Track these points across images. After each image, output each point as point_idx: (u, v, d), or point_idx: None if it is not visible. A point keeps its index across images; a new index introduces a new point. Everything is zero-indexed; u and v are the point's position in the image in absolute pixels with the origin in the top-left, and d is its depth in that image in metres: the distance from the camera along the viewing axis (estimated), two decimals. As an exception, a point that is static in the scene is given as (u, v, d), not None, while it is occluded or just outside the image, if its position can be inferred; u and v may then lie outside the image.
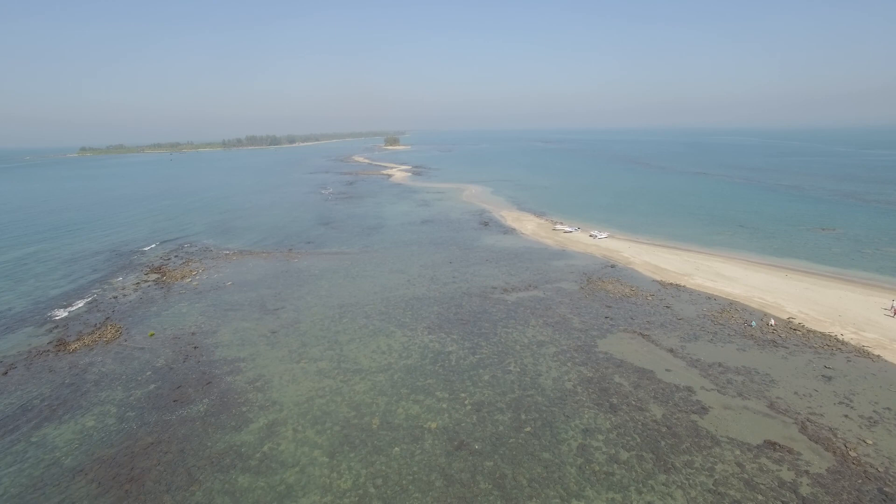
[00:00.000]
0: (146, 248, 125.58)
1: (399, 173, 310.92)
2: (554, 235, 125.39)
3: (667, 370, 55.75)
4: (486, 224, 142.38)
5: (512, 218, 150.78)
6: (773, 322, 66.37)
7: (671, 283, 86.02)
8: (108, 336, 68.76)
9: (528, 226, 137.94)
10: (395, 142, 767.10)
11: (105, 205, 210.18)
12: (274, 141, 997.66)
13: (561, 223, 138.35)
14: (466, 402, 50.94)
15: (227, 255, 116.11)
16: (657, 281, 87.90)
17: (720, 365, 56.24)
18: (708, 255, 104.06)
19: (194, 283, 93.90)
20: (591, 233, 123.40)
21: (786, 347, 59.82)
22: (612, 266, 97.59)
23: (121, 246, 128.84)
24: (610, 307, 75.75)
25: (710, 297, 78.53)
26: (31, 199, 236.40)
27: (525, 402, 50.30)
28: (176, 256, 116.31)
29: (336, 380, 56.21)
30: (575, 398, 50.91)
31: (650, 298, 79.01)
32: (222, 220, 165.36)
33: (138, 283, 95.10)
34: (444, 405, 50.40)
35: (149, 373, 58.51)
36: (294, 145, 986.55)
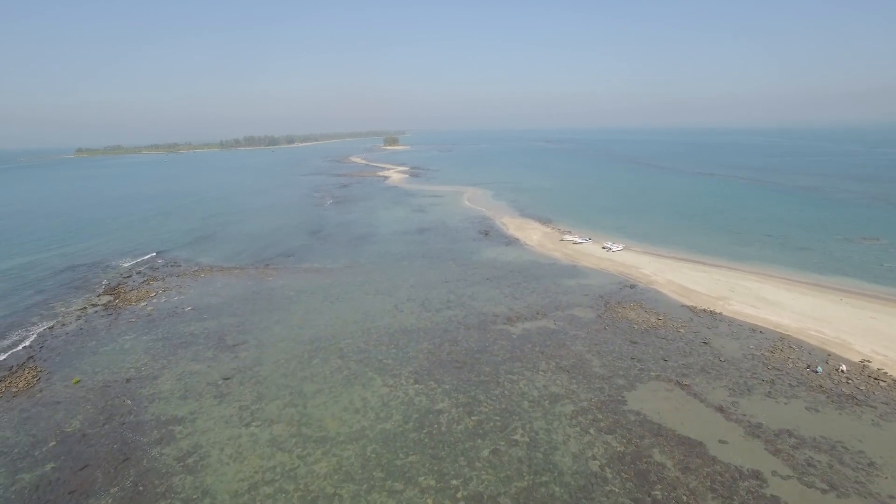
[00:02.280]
0: (110, 263, 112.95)
1: (396, 175, 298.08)
2: (562, 247, 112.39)
3: (721, 441, 42.80)
4: (486, 233, 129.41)
5: (515, 226, 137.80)
6: (844, 368, 53.38)
7: (704, 310, 73.04)
8: (21, 384, 56.04)
9: (534, 235, 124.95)
10: (394, 142, 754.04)
11: (83, 210, 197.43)
12: (272, 141, 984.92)
13: (569, 232, 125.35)
14: (459, 494, 38.11)
15: (195, 271, 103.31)
16: (687, 306, 74.92)
17: (790, 434, 43.25)
18: (740, 271, 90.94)
19: (149, 309, 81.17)
20: (604, 244, 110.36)
21: (872, 406, 46.81)
22: (632, 286, 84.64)
23: (83, 259, 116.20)
24: (636, 343, 62.80)
25: (754, 330, 65.48)
26: (7, 205, 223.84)
27: (538, 497, 37.45)
28: (138, 273, 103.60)
29: (292, 455, 43.38)
30: (604, 489, 38.04)
31: (682, 331, 66.04)
32: (202, 227, 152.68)
33: (84, 308, 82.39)
34: (430, 500, 37.59)
35: (53, 443, 45.69)
36: (293, 146, 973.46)
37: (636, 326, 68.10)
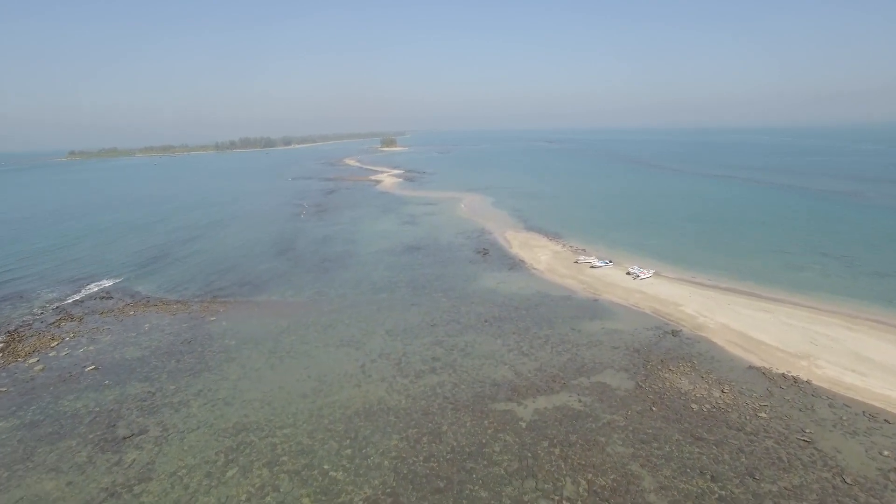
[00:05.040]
0: (33, 293, 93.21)
1: (389, 179, 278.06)
2: (578, 272, 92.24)
3: None
4: (485, 253, 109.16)
5: (519, 242, 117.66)
6: None
7: (784, 375, 53.05)
8: None
9: (542, 256, 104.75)
10: (391, 143, 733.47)
11: (35, 223, 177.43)
12: (269, 143, 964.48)
13: (584, 252, 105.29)
14: None
15: (125, 306, 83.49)
16: (757, 368, 54.91)
17: None
18: (812, 309, 70.76)
19: (37, 368, 61.36)
20: (630, 269, 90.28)
21: None
22: (675, 333, 64.58)
23: (2, 290, 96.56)
24: (701, 441, 42.74)
25: (874, 417, 45.28)
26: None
27: None
28: (55, 308, 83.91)
29: None
30: None
31: (764, 416, 45.99)
32: (161, 243, 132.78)
33: (-47, 367, 62.55)
34: None
35: None
36: (290, 147, 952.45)
37: (694, 406, 48.05)
